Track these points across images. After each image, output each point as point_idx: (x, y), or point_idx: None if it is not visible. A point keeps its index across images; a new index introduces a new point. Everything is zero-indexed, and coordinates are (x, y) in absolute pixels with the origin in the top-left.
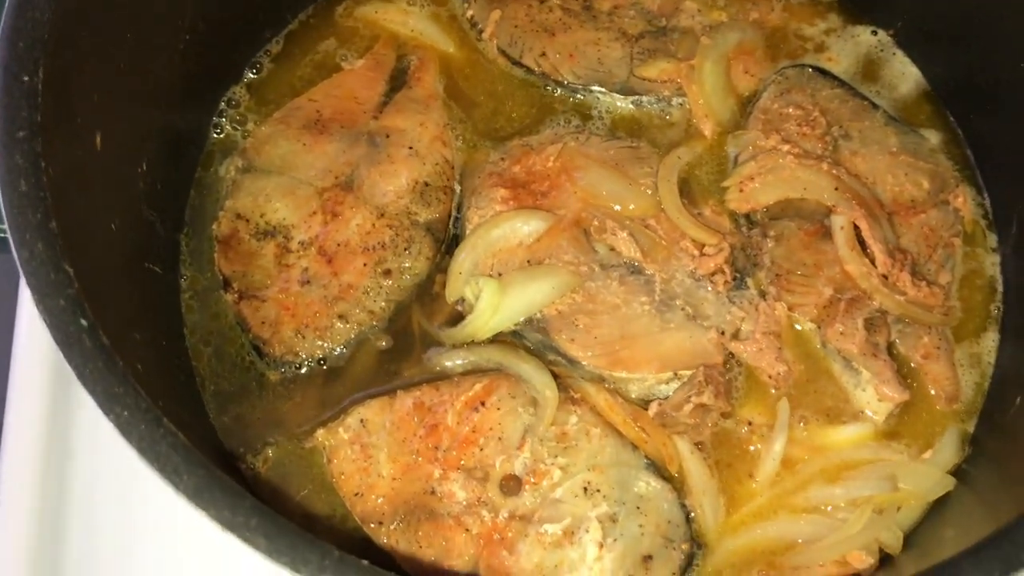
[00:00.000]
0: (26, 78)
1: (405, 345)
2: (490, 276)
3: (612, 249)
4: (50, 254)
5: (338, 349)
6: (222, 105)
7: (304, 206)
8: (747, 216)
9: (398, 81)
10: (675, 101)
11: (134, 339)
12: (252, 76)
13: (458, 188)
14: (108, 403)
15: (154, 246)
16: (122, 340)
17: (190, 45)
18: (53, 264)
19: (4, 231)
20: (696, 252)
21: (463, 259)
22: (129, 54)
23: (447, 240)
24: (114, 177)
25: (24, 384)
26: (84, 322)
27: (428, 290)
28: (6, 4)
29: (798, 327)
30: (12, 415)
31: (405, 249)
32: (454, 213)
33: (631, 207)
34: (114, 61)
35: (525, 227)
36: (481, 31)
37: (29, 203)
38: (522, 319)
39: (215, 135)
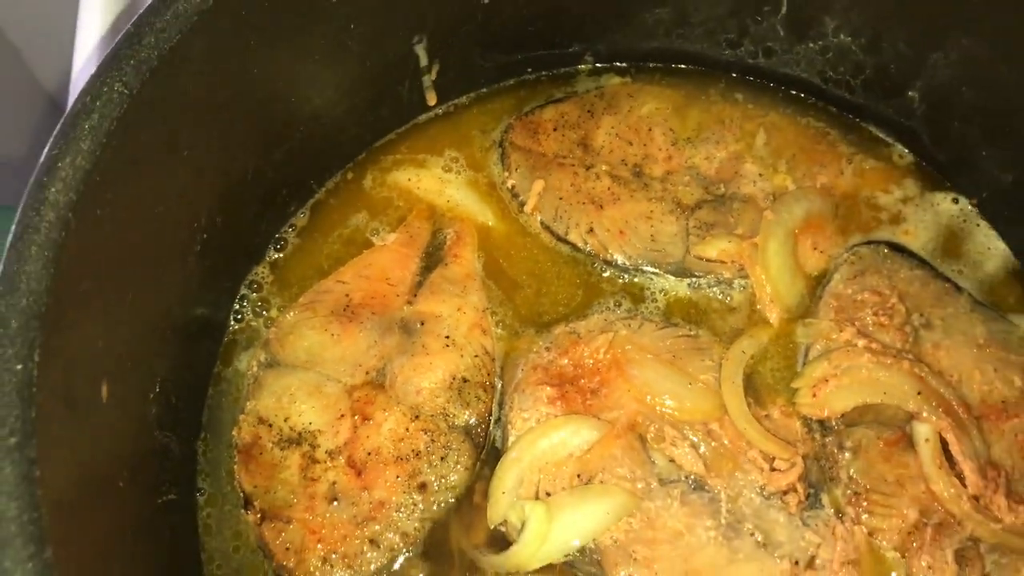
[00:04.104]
0: (19, 366)
1: (441, 568)
2: (537, 498)
3: (671, 461)
4: None
5: None
6: (243, 290)
7: (332, 408)
8: (820, 421)
9: (433, 259)
10: (736, 283)
11: None
12: (275, 255)
13: (499, 384)
14: None
15: (168, 470)
16: None
17: (207, 244)
18: None
19: None
20: (765, 464)
21: (507, 476)
22: (139, 285)
23: (487, 445)
24: (121, 424)
25: None
26: None
27: (467, 499)
28: None
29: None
30: None
31: (442, 458)
32: (495, 412)
33: (691, 410)
34: (123, 300)
35: (575, 439)
36: (523, 203)
37: (19, 534)
38: (574, 548)
39: (235, 323)
